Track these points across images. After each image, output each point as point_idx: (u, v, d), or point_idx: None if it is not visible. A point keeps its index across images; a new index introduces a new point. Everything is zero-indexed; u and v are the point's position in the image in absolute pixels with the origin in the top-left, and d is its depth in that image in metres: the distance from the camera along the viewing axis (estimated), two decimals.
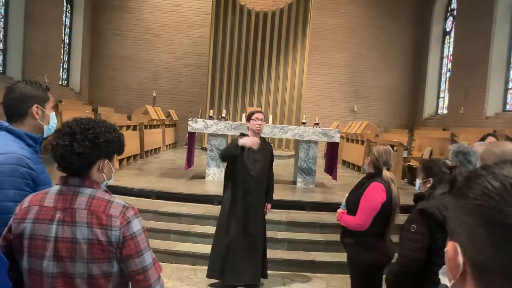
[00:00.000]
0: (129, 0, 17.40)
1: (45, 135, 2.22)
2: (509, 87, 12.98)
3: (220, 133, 8.32)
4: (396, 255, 2.91)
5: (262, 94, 15.94)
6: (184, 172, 8.85)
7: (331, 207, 6.25)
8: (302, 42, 15.80)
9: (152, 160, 11.53)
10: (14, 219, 1.73)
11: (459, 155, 3.00)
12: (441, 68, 17.42)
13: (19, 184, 1.95)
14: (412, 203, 2.90)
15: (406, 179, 10.39)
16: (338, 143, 8.72)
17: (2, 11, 12.89)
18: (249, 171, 4.61)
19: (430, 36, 17.36)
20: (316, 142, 8.55)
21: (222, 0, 15.65)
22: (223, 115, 9.62)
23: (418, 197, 2.83)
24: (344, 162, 13.43)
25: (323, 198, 7.52)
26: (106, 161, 1.77)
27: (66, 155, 1.67)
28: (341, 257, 4.33)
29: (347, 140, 13.51)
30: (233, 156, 4.54)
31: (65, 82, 16.84)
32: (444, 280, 0.73)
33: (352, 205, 3.38)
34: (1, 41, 12.95)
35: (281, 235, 6.04)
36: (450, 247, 0.70)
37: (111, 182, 1.89)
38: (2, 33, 12.96)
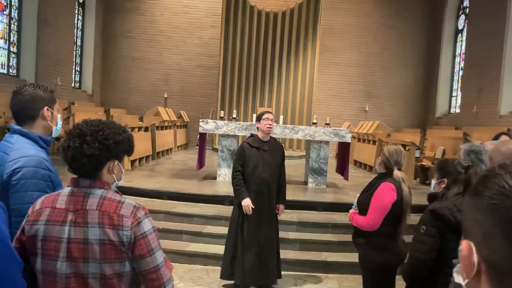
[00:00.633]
0: (141, 2, 17.52)
1: (52, 136, 2.25)
2: None
3: (231, 133, 8.34)
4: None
5: (273, 95, 15.93)
6: (196, 173, 8.88)
7: (343, 207, 6.23)
8: (312, 42, 15.75)
9: (164, 161, 11.59)
10: (27, 221, 1.75)
11: (471, 154, 2.97)
12: (453, 67, 17.26)
13: (41, 186, 1.98)
14: (424, 203, 2.88)
15: (418, 178, 10.31)
16: (349, 143, 8.68)
17: (16, 14, 13.07)
18: (260, 172, 4.60)
19: (442, 35, 17.21)
20: (327, 142, 8.52)
21: (232, 1, 15.67)
22: (234, 115, 9.64)
23: (432, 197, 2.81)
24: (355, 162, 13.37)
25: (335, 199, 7.50)
26: (116, 162, 1.79)
27: (77, 156, 1.69)
28: (353, 257, 4.32)
29: (359, 140, 13.45)
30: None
31: (78, 85, 17.01)
32: (458, 278, 0.72)
33: (363, 206, 3.36)
34: (14, 44, 13.13)
35: (292, 235, 6.03)
36: (465, 245, 0.70)
37: (122, 183, 1.90)
38: (15, 36, 13.14)
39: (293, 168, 10.84)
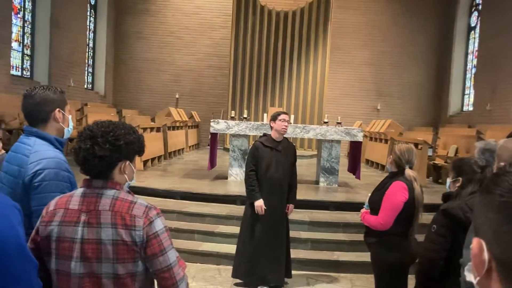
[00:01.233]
0: (152, 3, 17.62)
1: (64, 137, 2.28)
2: None
3: (242, 133, 8.35)
4: None
5: (284, 94, 15.91)
6: (207, 173, 8.92)
7: (355, 206, 6.20)
8: (323, 41, 15.71)
9: (176, 161, 11.65)
10: (41, 221, 1.78)
11: (486, 152, 2.94)
12: (466, 65, 17.08)
13: (62, 188, 2.01)
14: (437, 201, 2.86)
15: (431, 177, 10.23)
16: (361, 142, 8.64)
17: (30, 17, 13.24)
18: (272, 172, 4.60)
19: (455, 32, 17.03)
20: (338, 142, 8.49)
21: (243, 1, 15.69)
22: (245, 115, 9.65)
23: (446, 196, 2.79)
24: (367, 161, 13.30)
25: (347, 198, 7.47)
26: (128, 162, 1.80)
27: (88, 158, 1.71)
28: (365, 257, 4.30)
29: (371, 139, 13.38)
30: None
31: (90, 86, 17.17)
32: (469, 277, 0.73)
33: (375, 205, 3.35)
34: (28, 46, 13.30)
35: (304, 235, 6.02)
36: (475, 243, 0.70)
37: (134, 183, 1.92)
38: (29, 39, 13.31)
39: (305, 167, 10.83)
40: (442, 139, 12.22)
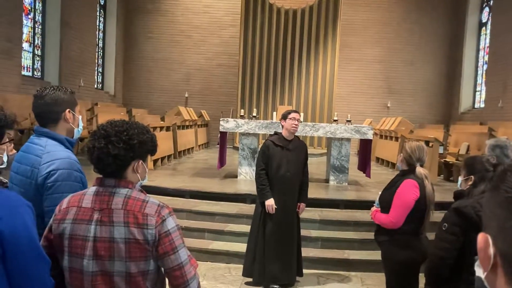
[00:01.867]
0: (161, 3, 17.68)
1: (74, 138, 2.29)
2: None
3: (251, 132, 8.35)
4: None
5: (293, 92, 15.89)
6: (217, 172, 8.93)
7: (365, 205, 6.18)
8: (332, 39, 15.65)
9: (186, 160, 11.69)
10: (54, 219, 1.79)
11: (496, 149, 2.91)
12: (477, 61, 16.90)
13: (75, 188, 2.02)
14: (449, 199, 2.83)
15: (442, 175, 10.15)
16: (371, 140, 8.60)
17: (40, 18, 13.35)
18: (283, 172, 4.59)
19: (465, 28, 16.86)
20: (348, 140, 8.46)
21: None
22: (254, 114, 9.65)
23: (457, 195, 2.77)
24: (378, 159, 13.24)
25: (357, 196, 7.44)
26: (140, 161, 1.82)
27: (102, 157, 1.73)
28: (376, 255, 4.28)
29: (381, 136, 13.30)
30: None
31: (100, 86, 17.28)
32: (479, 272, 0.73)
33: (385, 203, 3.33)
34: (39, 47, 13.41)
35: (314, 233, 6.01)
36: (481, 238, 0.71)
37: (146, 182, 1.93)
38: (40, 39, 13.42)
39: (315, 166, 10.80)
40: (453, 137, 12.11)
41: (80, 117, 2.31)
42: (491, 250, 0.69)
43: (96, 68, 16.63)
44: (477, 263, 0.74)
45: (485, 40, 16.24)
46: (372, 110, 17.38)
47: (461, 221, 2.49)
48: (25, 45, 12.62)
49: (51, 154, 2.09)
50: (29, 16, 12.83)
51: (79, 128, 2.30)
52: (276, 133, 4.83)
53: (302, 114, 12.67)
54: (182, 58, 17.75)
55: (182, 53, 17.73)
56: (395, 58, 17.48)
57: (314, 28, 15.78)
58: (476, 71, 16.91)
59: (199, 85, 17.80)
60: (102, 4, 17.04)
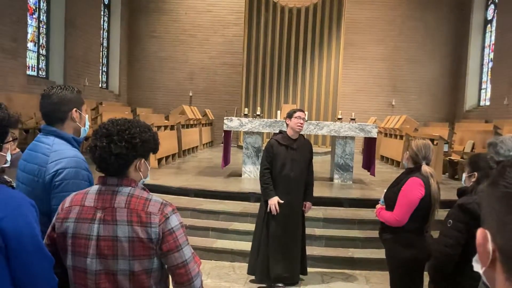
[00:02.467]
0: (165, 2, 17.69)
1: (81, 137, 2.30)
2: None
3: (255, 131, 8.34)
4: None
5: (297, 91, 15.87)
6: (221, 170, 8.93)
7: (370, 203, 6.16)
8: (336, 37, 15.61)
9: (190, 159, 11.70)
10: (57, 218, 1.80)
11: (490, 147, 2.94)
12: (482, 58, 16.81)
13: (82, 186, 2.02)
14: (453, 198, 2.83)
15: (447, 173, 10.11)
16: (375, 138, 8.57)
17: (45, 18, 13.40)
18: (287, 171, 4.57)
19: (471, 26, 16.77)
20: (352, 138, 8.44)
21: None
22: (258, 113, 9.64)
23: (461, 192, 2.77)
24: (382, 157, 13.20)
25: (361, 195, 7.42)
26: (143, 160, 1.82)
27: (105, 156, 1.72)
28: (380, 253, 4.27)
29: (385, 135, 13.26)
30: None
31: (105, 85, 17.33)
32: (477, 267, 0.73)
33: (390, 201, 3.32)
34: (44, 47, 13.46)
35: (318, 232, 6.00)
36: (480, 233, 0.71)
37: (148, 180, 1.93)
38: (44, 39, 13.47)
39: (319, 164, 10.77)
40: (458, 135, 12.06)
41: (87, 116, 2.32)
42: (490, 245, 0.69)
43: (100, 68, 16.68)
44: (475, 258, 0.74)
45: (491, 37, 16.15)
46: (376, 108, 17.32)
47: (466, 217, 2.49)
48: (30, 45, 12.67)
49: (58, 152, 2.09)
50: (34, 16, 12.87)
51: (86, 128, 2.31)
52: (280, 132, 4.80)
53: (306, 112, 12.67)
54: (186, 57, 17.77)
55: (186, 52, 17.75)
56: (400, 56, 17.42)
57: (318, 26, 15.75)
58: (482, 68, 16.82)
59: (203, 84, 17.81)
60: (106, 3, 17.08)
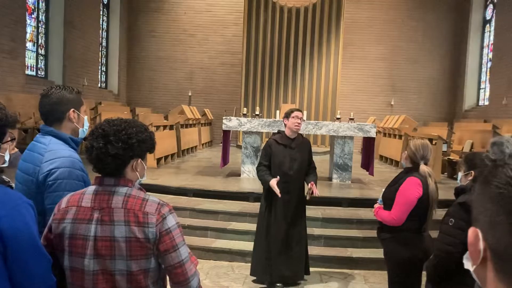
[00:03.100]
0: (164, 2, 17.69)
1: (79, 138, 2.30)
2: None
3: (254, 130, 8.35)
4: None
5: (296, 91, 15.87)
6: (220, 170, 8.94)
7: (368, 203, 6.16)
8: (336, 37, 15.62)
9: (189, 159, 11.70)
10: (54, 219, 1.80)
11: (494, 146, 2.92)
12: (481, 58, 16.83)
13: (76, 187, 2.03)
14: (452, 197, 2.83)
15: (446, 173, 10.12)
16: (374, 138, 8.58)
17: (43, 18, 13.39)
18: (286, 170, 4.57)
19: (469, 26, 16.79)
20: (351, 138, 8.45)
21: None
22: (257, 112, 9.64)
23: (459, 191, 2.77)
24: (381, 157, 13.21)
25: (360, 194, 7.43)
26: (139, 160, 1.82)
27: (101, 157, 1.73)
28: (379, 253, 4.27)
29: (384, 134, 13.28)
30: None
31: (104, 85, 17.32)
32: (467, 265, 0.74)
33: (388, 200, 3.33)
34: (42, 46, 13.45)
35: (317, 231, 6.01)
36: (471, 232, 0.71)
37: (145, 180, 1.93)
38: (43, 39, 13.46)
39: (318, 164, 10.70)
40: (457, 134, 12.07)
41: (86, 117, 2.32)
42: (481, 244, 0.69)
43: (99, 67, 16.67)
44: (465, 256, 0.75)
45: (489, 37, 16.17)
46: (375, 108, 17.34)
47: (468, 215, 2.49)
48: (29, 45, 12.66)
49: (53, 152, 2.10)
50: (33, 16, 12.86)
51: (84, 128, 2.31)
52: (279, 132, 4.81)
53: (305, 112, 12.68)
54: (185, 57, 17.77)
55: (185, 52, 17.75)
56: (399, 55, 17.44)
57: (318, 26, 15.75)
58: (480, 68, 16.84)
59: (202, 84, 17.82)
60: (105, 3, 17.07)
